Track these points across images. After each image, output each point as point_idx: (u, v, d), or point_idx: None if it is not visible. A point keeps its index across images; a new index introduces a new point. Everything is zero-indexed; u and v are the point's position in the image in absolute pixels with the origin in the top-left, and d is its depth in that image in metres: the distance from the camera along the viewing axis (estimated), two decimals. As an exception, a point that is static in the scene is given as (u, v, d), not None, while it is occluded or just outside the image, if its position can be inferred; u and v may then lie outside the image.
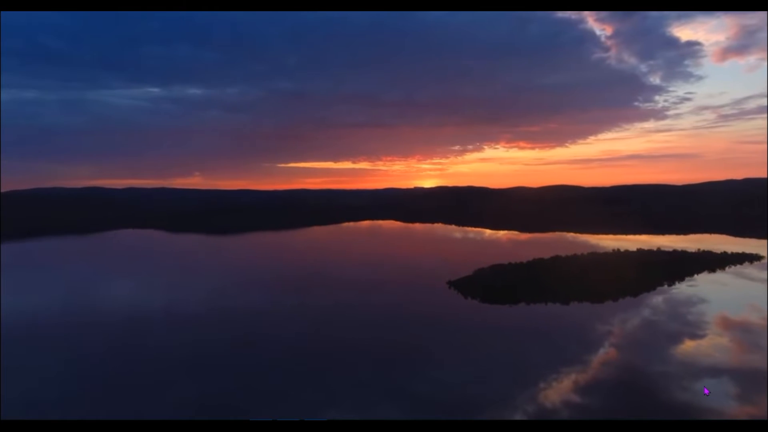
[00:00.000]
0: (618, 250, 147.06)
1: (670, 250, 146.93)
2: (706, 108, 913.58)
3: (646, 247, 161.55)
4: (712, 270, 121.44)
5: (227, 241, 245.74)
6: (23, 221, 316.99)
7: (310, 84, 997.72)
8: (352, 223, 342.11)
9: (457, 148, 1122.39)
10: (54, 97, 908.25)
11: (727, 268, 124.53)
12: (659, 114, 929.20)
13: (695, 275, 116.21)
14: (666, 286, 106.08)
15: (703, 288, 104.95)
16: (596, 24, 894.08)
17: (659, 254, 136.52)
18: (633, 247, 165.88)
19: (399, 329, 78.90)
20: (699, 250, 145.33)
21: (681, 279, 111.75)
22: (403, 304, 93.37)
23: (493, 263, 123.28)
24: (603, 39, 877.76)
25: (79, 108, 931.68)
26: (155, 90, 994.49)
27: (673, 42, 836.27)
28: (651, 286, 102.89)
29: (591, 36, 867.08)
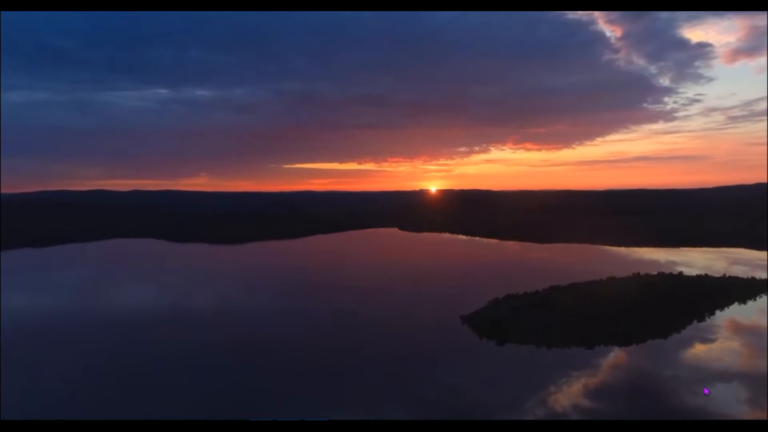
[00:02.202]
0: (638, 273, 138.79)
1: (694, 274, 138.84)
2: (715, 110, 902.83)
3: (666, 268, 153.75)
4: (743, 301, 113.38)
5: (226, 251, 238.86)
6: (22, 228, 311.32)
7: (318, 85, 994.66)
8: (355, 232, 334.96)
9: (463, 149, 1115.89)
10: (64, 98, 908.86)
11: (758, 298, 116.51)
12: (668, 116, 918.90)
13: (726, 307, 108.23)
14: (696, 322, 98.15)
15: (740, 326, 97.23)
16: (606, 26, 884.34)
17: (682, 280, 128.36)
18: (652, 267, 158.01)
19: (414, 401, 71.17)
20: (725, 275, 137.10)
21: (711, 312, 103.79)
22: (415, 353, 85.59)
23: (508, 293, 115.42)
24: (613, 41, 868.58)
25: (88, 109, 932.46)
26: (164, 91, 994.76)
27: (684, 43, 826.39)
28: (680, 323, 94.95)
29: (601, 37, 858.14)
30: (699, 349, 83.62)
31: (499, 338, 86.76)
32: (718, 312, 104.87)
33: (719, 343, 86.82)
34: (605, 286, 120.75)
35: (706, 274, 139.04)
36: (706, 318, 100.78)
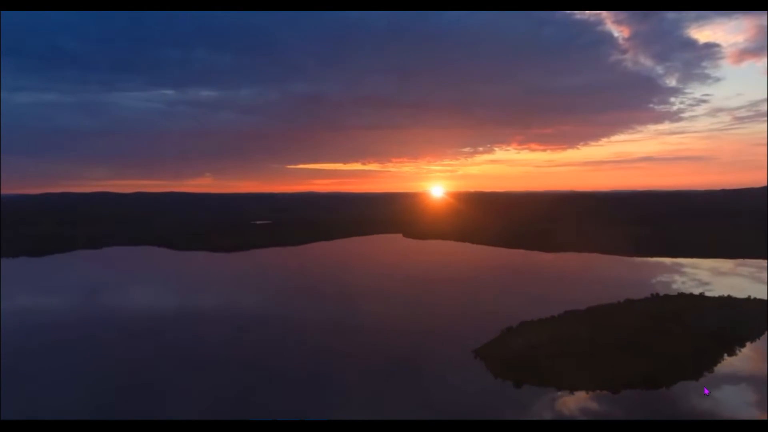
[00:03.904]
0: (657, 295, 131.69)
1: (716, 296, 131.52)
2: (721, 110, 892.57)
3: (685, 287, 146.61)
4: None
5: (227, 260, 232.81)
6: (22, 234, 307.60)
7: (323, 86, 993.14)
8: (358, 239, 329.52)
9: (467, 149, 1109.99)
10: (71, 99, 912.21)
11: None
12: (674, 116, 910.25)
13: (757, 338, 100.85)
14: (726, 357, 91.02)
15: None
16: (614, 26, 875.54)
17: (706, 305, 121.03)
18: (669, 284, 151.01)
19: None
20: (749, 297, 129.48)
21: (741, 345, 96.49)
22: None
23: (521, 319, 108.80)
24: (620, 41, 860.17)
25: (95, 110, 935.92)
26: (170, 92, 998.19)
27: (691, 44, 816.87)
28: (709, 359, 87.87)
29: (608, 38, 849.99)
30: (734, 394, 76.60)
31: (516, 379, 79.92)
32: (748, 344, 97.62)
33: (755, 384, 79.73)
34: (625, 312, 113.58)
35: (729, 296, 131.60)
36: (737, 351, 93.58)
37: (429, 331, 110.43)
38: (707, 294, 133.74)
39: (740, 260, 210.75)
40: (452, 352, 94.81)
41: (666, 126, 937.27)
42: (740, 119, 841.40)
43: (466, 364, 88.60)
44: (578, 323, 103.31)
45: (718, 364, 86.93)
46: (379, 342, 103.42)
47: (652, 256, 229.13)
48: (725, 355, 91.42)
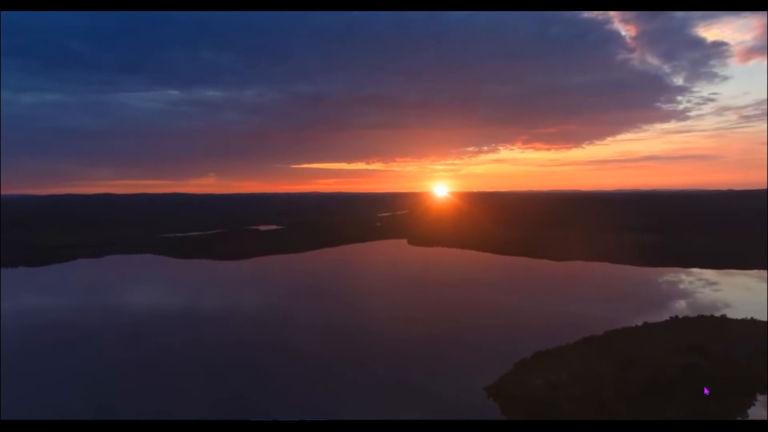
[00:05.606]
0: (676, 318, 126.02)
1: (739, 318, 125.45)
2: (728, 109, 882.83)
3: (703, 306, 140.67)
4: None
5: (230, 268, 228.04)
6: (22, 240, 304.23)
7: (328, 86, 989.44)
8: (361, 245, 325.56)
9: (471, 149, 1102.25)
10: (75, 99, 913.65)
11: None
12: (681, 115, 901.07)
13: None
14: (758, 395, 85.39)
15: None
16: (621, 25, 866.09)
17: (730, 332, 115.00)
18: (685, 300, 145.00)
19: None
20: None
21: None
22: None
23: (536, 349, 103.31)
24: (627, 40, 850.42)
25: (99, 110, 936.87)
26: (174, 93, 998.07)
27: (699, 42, 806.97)
28: (742, 401, 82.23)
29: (616, 37, 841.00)
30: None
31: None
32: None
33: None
34: (645, 341, 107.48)
35: (752, 318, 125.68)
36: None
37: (439, 357, 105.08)
38: (729, 316, 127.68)
39: (754, 271, 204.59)
40: (463, 387, 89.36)
41: (672, 125, 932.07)
42: (747, 118, 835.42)
43: (480, 405, 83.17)
44: (598, 355, 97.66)
45: (752, 406, 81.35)
46: (380, 372, 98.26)
47: (663, 265, 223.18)
48: (757, 394, 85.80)
